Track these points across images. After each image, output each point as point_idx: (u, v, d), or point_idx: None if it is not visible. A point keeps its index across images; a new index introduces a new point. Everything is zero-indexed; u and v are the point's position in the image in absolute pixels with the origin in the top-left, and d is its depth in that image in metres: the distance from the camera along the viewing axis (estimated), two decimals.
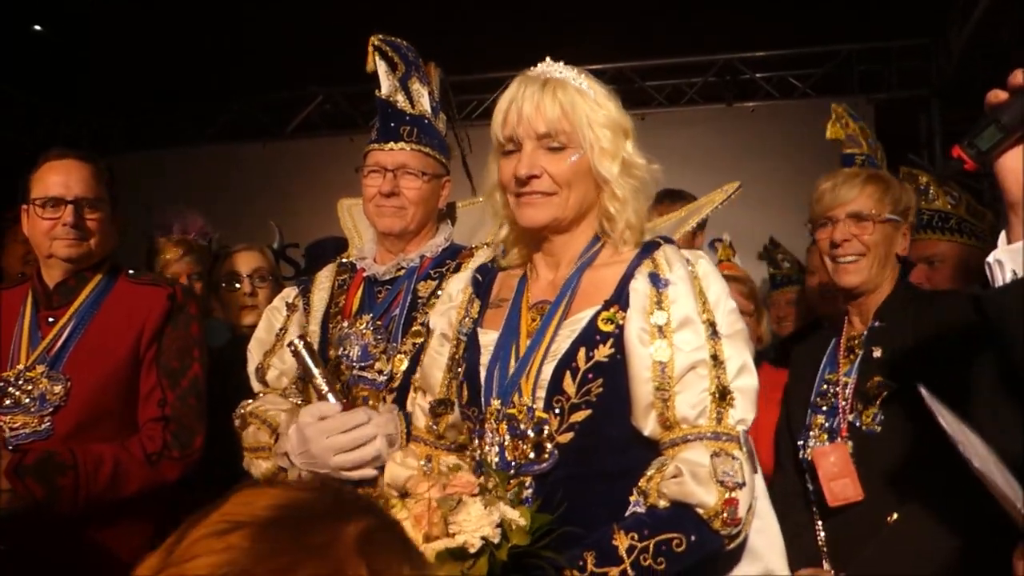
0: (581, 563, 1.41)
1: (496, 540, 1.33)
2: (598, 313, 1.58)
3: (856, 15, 5.94)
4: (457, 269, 2.22)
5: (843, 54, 6.38)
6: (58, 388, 2.23)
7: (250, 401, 2.25)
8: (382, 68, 2.28)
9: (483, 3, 5.76)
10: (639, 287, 1.59)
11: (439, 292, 2.17)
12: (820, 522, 2.19)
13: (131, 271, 2.48)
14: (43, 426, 2.20)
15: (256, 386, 2.31)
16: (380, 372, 2.13)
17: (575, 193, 1.63)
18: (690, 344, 1.53)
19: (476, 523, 1.33)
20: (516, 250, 1.79)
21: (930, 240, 2.75)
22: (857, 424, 2.12)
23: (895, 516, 2.03)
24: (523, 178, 1.61)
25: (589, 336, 1.56)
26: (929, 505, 1.95)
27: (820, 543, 2.18)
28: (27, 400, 2.21)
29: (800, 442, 2.24)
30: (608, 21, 5.66)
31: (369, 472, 1.96)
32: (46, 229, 2.30)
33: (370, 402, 2.11)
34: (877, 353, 2.15)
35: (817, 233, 2.28)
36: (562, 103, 1.59)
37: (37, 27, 6.32)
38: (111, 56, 6.33)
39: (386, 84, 2.27)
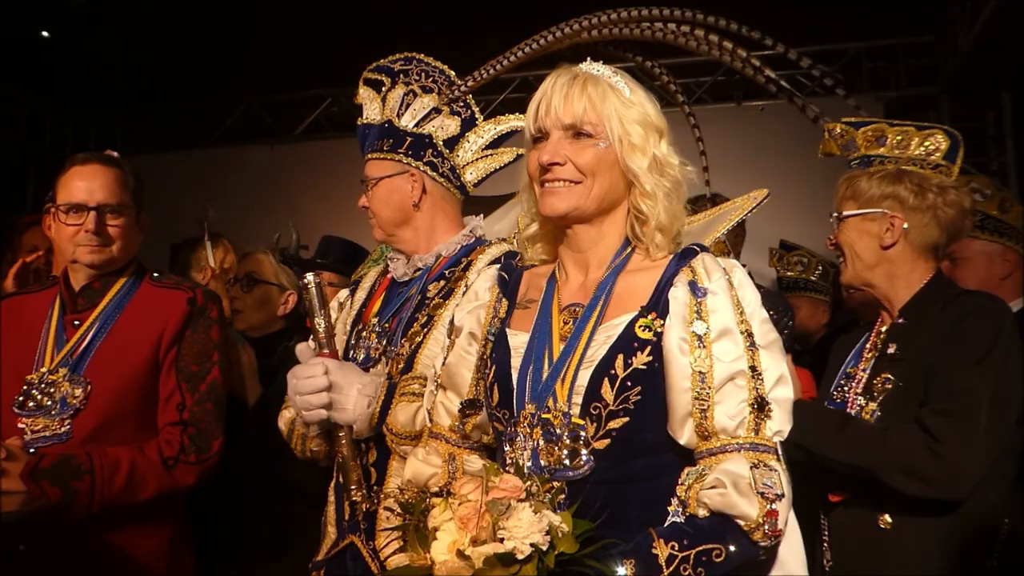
0: (621, 571, 1.40)
1: (544, 548, 1.33)
2: (635, 320, 1.57)
3: (864, 13, 5.93)
4: (466, 269, 2.20)
5: (851, 52, 6.37)
6: (79, 391, 2.24)
7: None
8: (367, 96, 2.38)
9: (491, 4, 5.75)
10: (679, 295, 1.57)
11: (445, 291, 2.18)
12: (824, 516, 2.21)
13: (155, 274, 2.49)
14: (62, 429, 2.22)
15: None
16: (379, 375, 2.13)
17: (599, 184, 1.62)
18: (729, 354, 1.52)
19: (527, 529, 1.32)
20: (542, 247, 1.78)
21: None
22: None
23: (885, 517, 2.06)
24: (546, 165, 1.61)
25: (627, 343, 1.55)
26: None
27: (824, 535, 2.20)
28: (49, 403, 2.23)
29: None
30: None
31: (315, 415, 2.01)
32: (69, 235, 2.31)
33: None
34: (891, 350, 2.17)
35: None
36: (590, 95, 1.60)
37: (45, 33, 6.32)
38: (118, 59, 6.34)
39: (366, 109, 2.37)
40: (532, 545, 1.31)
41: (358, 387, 2.01)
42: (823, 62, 6.59)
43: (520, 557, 1.31)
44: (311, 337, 2.09)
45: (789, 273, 3.93)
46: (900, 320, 2.20)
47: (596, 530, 1.40)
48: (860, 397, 2.16)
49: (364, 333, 2.21)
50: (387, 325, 2.19)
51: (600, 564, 1.37)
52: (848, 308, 3.24)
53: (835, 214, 2.28)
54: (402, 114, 2.31)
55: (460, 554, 1.32)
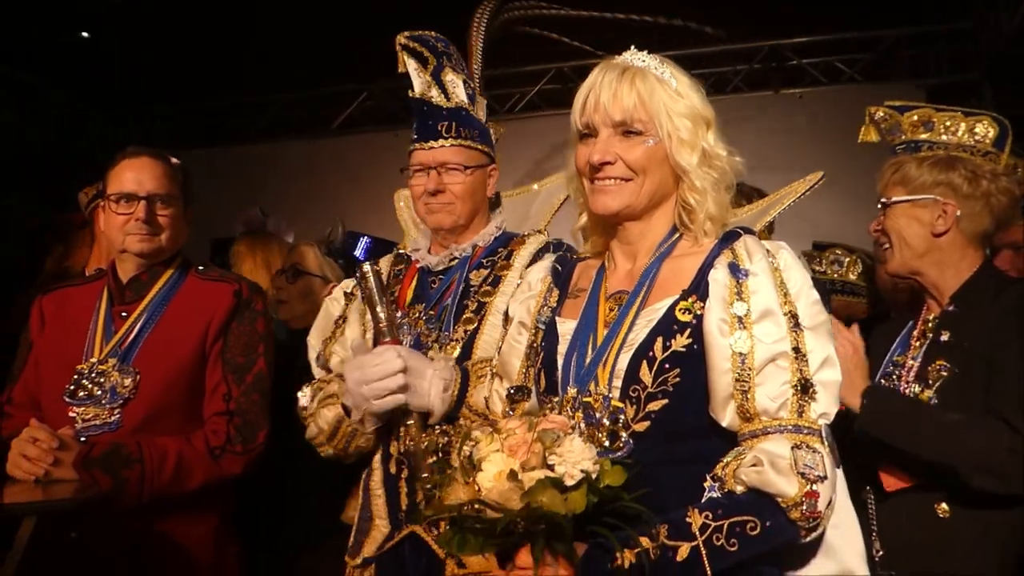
0: (654, 531, 1.41)
1: (594, 476, 1.35)
2: (676, 303, 1.58)
3: None
4: (508, 257, 2.25)
5: (891, 39, 6.27)
6: (128, 381, 2.27)
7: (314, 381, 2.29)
8: (412, 66, 2.30)
9: None
10: (718, 277, 1.58)
11: (492, 279, 2.21)
12: (873, 504, 2.18)
13: (200, 267, 2.52)
14: (113, 418, 2.25)
15: (318, 373, 2.34)
16: (432, 360, 2.13)
17: (650, 180, 1.63)
18: (771, 336, 1.51)
19: (578, 455, 1.34)
20: (594, 239, 1.80)
21: (1016, 225, 2.65)
22: None
23: (943, 506, 2.03)
24: (596, 164, 1.61)
25: (666, 326, 1.56)
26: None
27: (872, 524, 2.17)
28: (99, 392, 2.26)
29: None
30: (651, 9, 5.61)
31: (391, 400, 1.99)
32: (120, 224, 2.36)
33: None
34: (944, 337, 2.14)
35: None
36: (639, 91, 1.59)
37: (85, 34, 6.42)
38: (156, 57, 6.42)
39: (418, 82, 2.29)
40: (583, 471, 1.33)
41: (432, 371, 2.02)
42: (862, 48, 6.54)
43: (570, 483, 1.33)
44: (366, 329, 2.10)
45: (824, 276, 3.80)
46: (951, 307, 2.17)
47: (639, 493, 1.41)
48: (914, 384, 2.13)
49: (406, 320, 2.21)
50: (431, 312, 2.20)
51: (641, 507, 1.39)
52: (885, 297, 3.19)
53: (883, 200, 2.23)
54: (474, 102, 2.32)
55: (512, 475, 1.34)
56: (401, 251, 2.47)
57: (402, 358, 1.98)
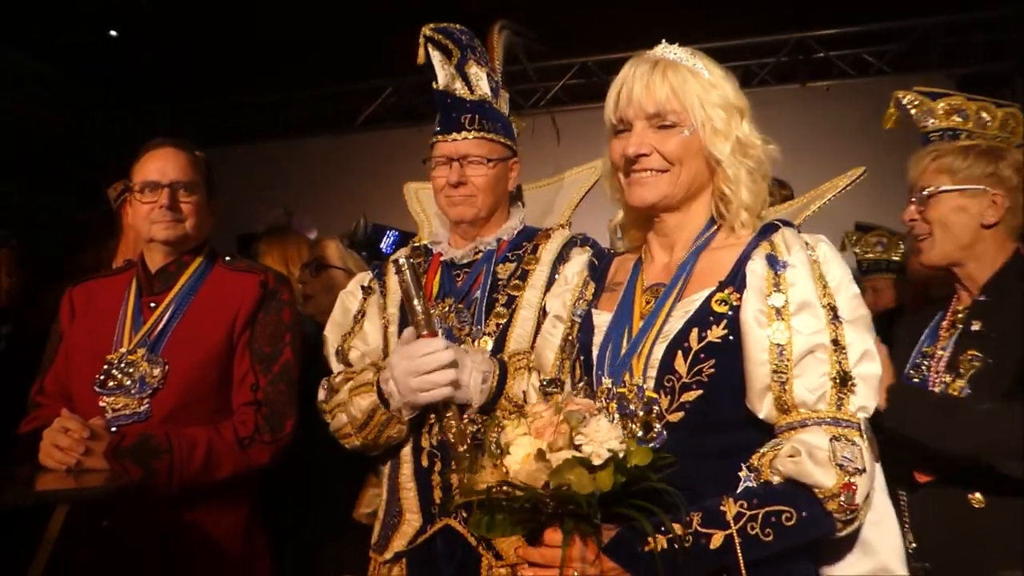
0: (687, 519, 1.40)
1: (621, 455, 1.35)
2: (712, 294, 1.57)
3: None
4: (534, 251, 2.25)
5: (921, 29, 6.18)
6: (157, 371, 2.29)
7: (334, 376, 2.29)
8: (436, 58, 2.29)
9: None
10: (756, 268, 1.57)
11: (520, 273, 2.21)
12: (904, 496, 2.15)
13: (227, 258, 2.54)
14: (142, 408, 2.26)
15: (337, 367, 2.34)
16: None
17: (686, 170, 1.62)
18: (809, 327, 1.50)
19: (605, 435, 1.35)
20: (631, 234, 1.80)
21: None
22: None
23: (977, 495, 2.00)
24: (632, 157, 1.61)
25: (702, 317, 1.55)
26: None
27: (904, 516, 2.13)
28: (128, 382, 2.28)
29: None
30: (677, 2, 5.58)
31: (439, 393, 1.99)
32: (145, 213, 2.39)
33: None
34: (976, 327, 2.11)
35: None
36: (671, 83, 1.59)
37: (113, 32, 6.50)
38: (184, 55, 6.48)
39: (442, 74, 2.27)
40: (610, 451, 1.34)
41: (471, 363, 2.03)
42: (891, 39, 6.45)
43: (597, 462, 1.33)
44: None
45: (869, 254, 3.79)
46: (982, 297, 2.14)
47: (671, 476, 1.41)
48: (945, 375, 2.10)
49: (436, 312, 2.20)
50: (460, 305, 2.20)
51: (669, 488, 1.38)
52: (917, 285, 3.15)
53: (924, 189, 2.17)
54: (498, 96, 2.31)
55: (540, 455, 1.35)
56: (417, 244, 2.46)
57: (452, 350, 1.99)
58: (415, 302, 2.03)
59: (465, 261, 2.28)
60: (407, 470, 2.15)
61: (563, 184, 2.54)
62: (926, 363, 2.18)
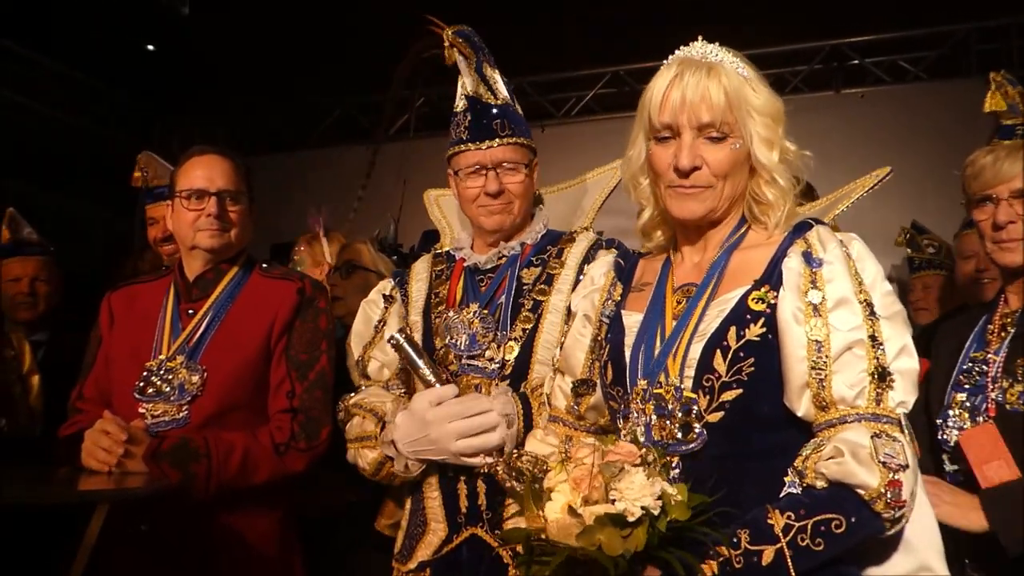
0: (735, 540, 1.38)
1: (656, 512, 1.33)
2: (748, 292, 1.56)
3: None
4: (559, 255, 2.22)
5: (958, 34, 6.09)
6: (195, 378, 2.31)
7: (352, 395, 2.28)
8: (461, 63, 2.26)
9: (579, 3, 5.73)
10: (792, 266, 1.55)
11: (545, 278, 2.18)
12: None
13: (264, 264, 2.56)
14: (181, 414, 2.28)
15: (357, 379, 2.34)
16: (491, 360, 2.13)
17: (730, 184, 1.61)
18: (847, 324, 1.49)
19: (638, 492, 1.33)
20: (659, 234, 1.78)
21: None
22: (1001, 402, 2.03)
23: None
24: (685, 170, 1.58)
25: (739, 315, 1.53)
26: None
27: None
28: (167, 389, 2.30)
29: (939, 421, 2.14)
30: (709, 11, 5.57)
31: (488, 460, 1.98)
32: (191, 220, 2.40)
33: (482, 389, 2.11)
34: None
35: (975, 212, 2.16)
36: (727, 91, 1.55)
37: (150, 47, 6.61)
38: (218, 64, 6.56)
39: (469, 80, 2.24)
40: (643, 508, 1.32)
41: (496, 413, 1.99)
42: (928, 45, 6.35)
43: (631, 519, 1.31)
44: (420, 387, 2.10)
45: (919, 253, 3.79)
46: None
47: (712, 505, 1.39)
48: (1002, 380, 2.04)
49: (457, 319, 2.19)
50: (484, 311, 2.19)
51: (712, 531, 1.36)
52: (968, 299, 3.10)
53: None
54: (514, 98, 2.29)
55: (572, 511, 1.33)
56: (439, 250, 2.44)
57: (495, 410, 1.97)
58: (421, 371, 2.05)
59: (489, 266, 2.26)
60: (432, 480, 2.14)
61: (586, 186, 2.52)
62: (978, 368, 2.13)
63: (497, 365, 2.12)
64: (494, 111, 2.21)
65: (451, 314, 2.20)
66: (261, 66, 6.47)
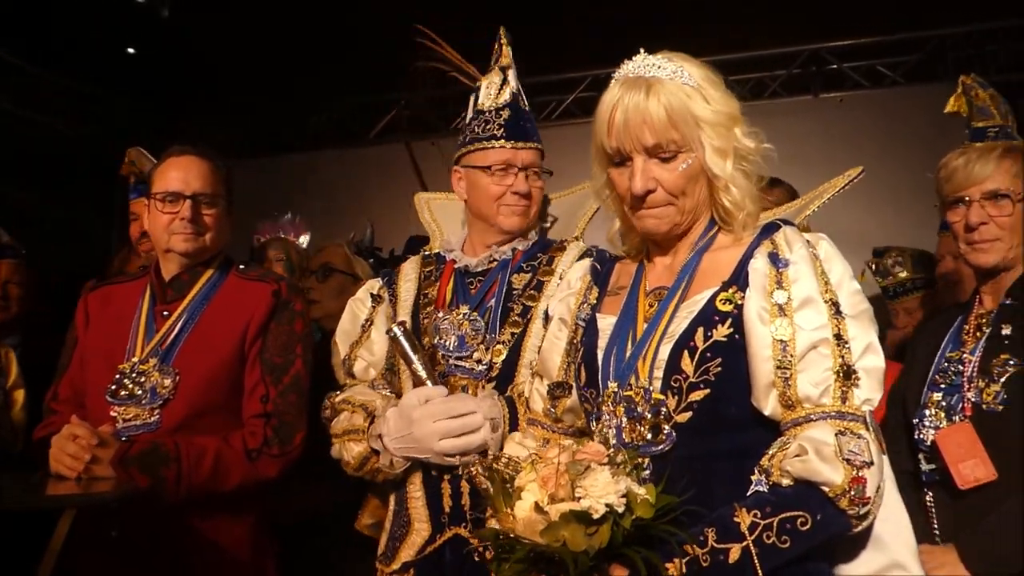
0: (702, 538, 1.39)
1: (620, 510, 1.34)
2: (716, 294, 1.57)
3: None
4: (549, 263, 2.24)
5: (936, 40, 6.14)
6: (168, 381, 2.28)
7: (338, 392, 2.27)
8: (511, 62, 2.28)
9: (560, 1, 5.73)
10: (759, 267, 1.56)
11: (535, 284, 2.20)
12: (933, 505, 2.11)
13: (241, 266, 2.53)
14: (152, 418, 2.26)
15: (342, 378, 2.33)
16: (479, 362, 2.14)
17: (690, 199, 1.61)
18: (812, 323, 1.50)
19: (602, 489, 1.33)
20: (632, 239, 1.78)
21: None
22: (977, 402, 2.05)
23: None
24: (640, 195, 1.59)
25: (707, 316, 1.54)
26: None
27: (933, 525, 2.10)
28: (139, 392, 2.28)
29: (915, 420, 2.16)
30: (687, 16, 5.58)
31: (470, 459, 1.99)
32: (165, 223, 2.37)
33: (468, 391, 2.12)
34: (1006, 331, 2.08)
35: (949, 214, 2.19)
36: (668, 109, 1.53)
37: (131, 50, 6.57)
38: (199, 68, 6.52)
39: (515, 80, 2.27)
40: (607, 506, 1.32)
41: (481, 415, 2.01)
42: (906, 50, 6.39)
43: (595, 516, 1.32)
44: (408, 384, 2.11)
45: (891, 279, 3.70)
46: (1008, 301, 2.12)
47: (679, 505, 1.40)
48: (978, 380, 2.06)
49: (448, 321, 2.20)
50: (474, 313, 2.19)
51: (678, 530, 1.37)
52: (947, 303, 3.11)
53: (1005, 192, 2.08)
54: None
55: (538, 508, 1.34)
56: (428, 252, 2.44)
57: (481, 412, 1.99)
58: (415, 365, 2.05)
59: (480, 269, 2.27)
60: (416, 479, 2.14)
61: (584, 195, 2.52)
62: (953, 368, 2.15)
63: (484, 367, 2.13)
64: (526, 114, 2.26)
65: (440, 314, 2.21)
66: (238, 70, 6.44)
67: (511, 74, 2.27)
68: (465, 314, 2.19)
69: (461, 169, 2.28)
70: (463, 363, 2.14)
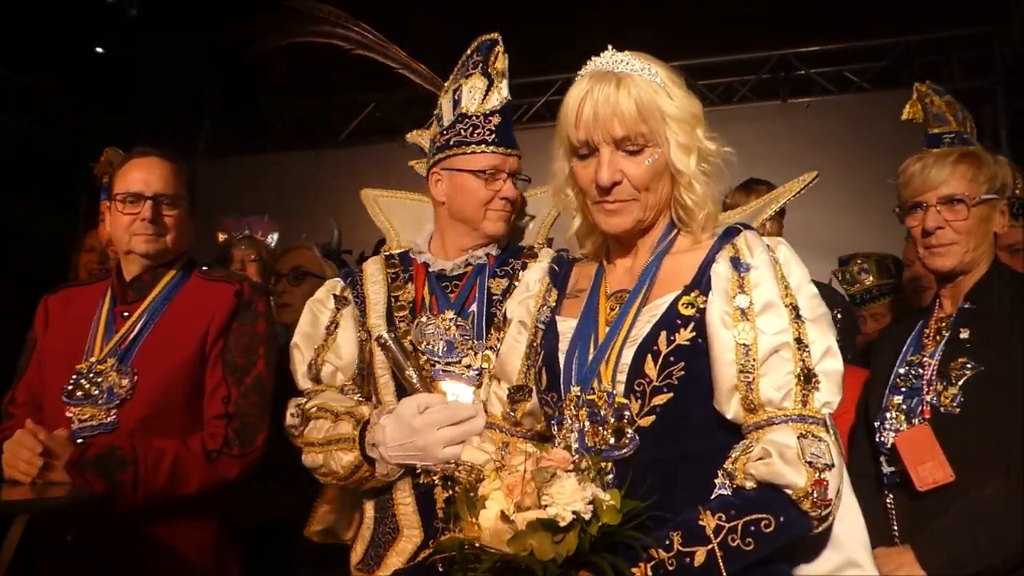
0: (667, 542, 1.39)
1: (587, 517, 1.33)
2: (678, 298, 1.57)
3: (913, 5, 5.80)
4: (524, 268, 2.19)
5: (901, 46, 6.23)
6: (125, 381, 2.25)
7: (304, 399, 2.19)
8: (504, 69, 2.27)
9: (530, 5, 5.74)
10: (720, 271, 1.57)
11: (513, 288, 2.16)
12: (893, 507, 2.13)
13: (204, 267, 2.51)
14: (109, 419, 2.23)
15: (306, 384, 2.24)
16: (468, 367, 2.12)
17: (653, 194, 1.62)
18: (773, 327, 1.51)
19: (569, 497, 1.32)
20: (591, 241, 1.78)
21: (1015, 228, 2.62)
22: (936, 405, 2.07)
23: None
24: (606, 186, 1.58)
25: (670, 320, 1.54)
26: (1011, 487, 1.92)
27: (893, 527, 2.12)
28: (96, 392, 2.24)
29: (876, 423, 2.18)
30: (658, 20, 5.61)
31: (430, 466, 1.99)
32: (125, 224, 2.35)
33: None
34: (964, 334, 2.11)
35: (907, 219, 2.22)
36: (637, 103, 1.55)
37: (99, 49, 6.49)
38: (167, 68, 6.45)
39: (506, 87, 2.25)
40: (574, 513, 1.31)
41: (480, 416, 1.98)
42: (871, 57, 6.49)
43: (562, 524, 1.31)
44: (384, 392, 2.11)
45: (858, 285, 3.72)
46: (966, 305, 2.14)
47: (644, 509, 1.39)
48: (937, 383, 2.08)
49: (433, 325, 2.17)
50: (459, 318, 2.18)
51: (645, 534, 1.37)
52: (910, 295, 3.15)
53: (960, 196, 2.11)
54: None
55: (504, 517, 1.33)
56: (389, 252, 2.38)
57: (480, 415, 1.96)
58: (407, 373, 2.04)
59: (456, 273, 2.25)
60: (404, 485, 2.10)
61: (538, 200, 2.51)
62: (914, 371, 2.17)
63: (475, 372, 2.11)
64: (511, 122, 2.26)
65: (425, 319, 2.18)
66: (211, 71, 6.38)
67: (504, 82, 2.25)
68: (452, 319, 2.17)
69: (442, 172, 2.24)
70: (452, 368, 2.12)
